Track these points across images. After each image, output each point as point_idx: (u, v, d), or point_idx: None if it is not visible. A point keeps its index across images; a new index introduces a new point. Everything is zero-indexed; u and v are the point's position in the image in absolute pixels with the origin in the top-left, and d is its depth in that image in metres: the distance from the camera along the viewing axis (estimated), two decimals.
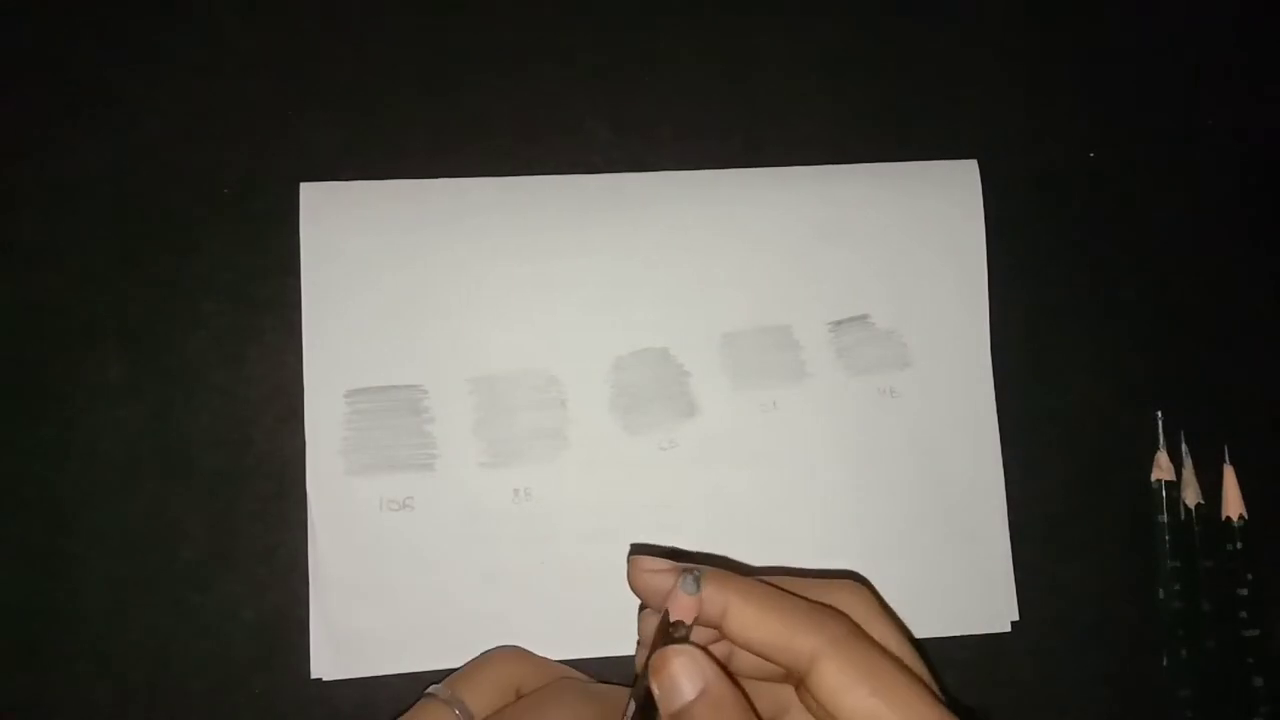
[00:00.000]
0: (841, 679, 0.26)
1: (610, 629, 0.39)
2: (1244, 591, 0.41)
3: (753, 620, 0.27)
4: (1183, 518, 0.42)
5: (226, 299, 0.41)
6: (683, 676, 0.26)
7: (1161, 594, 0.41)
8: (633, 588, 0.29)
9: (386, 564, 0.39)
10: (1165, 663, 0.41)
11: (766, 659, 0.27)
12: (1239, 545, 0.41)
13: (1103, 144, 0.44)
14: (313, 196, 0.41)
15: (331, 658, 0.39)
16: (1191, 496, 0.42)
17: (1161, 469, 0.42)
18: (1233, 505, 0.42)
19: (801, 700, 0.28)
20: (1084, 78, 0.45)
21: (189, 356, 0.40)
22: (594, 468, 0.40)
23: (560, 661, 0.37)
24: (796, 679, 0.27)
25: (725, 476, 0.41)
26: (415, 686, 0.37)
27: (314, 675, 0.39)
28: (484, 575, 0.40)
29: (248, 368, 0.40)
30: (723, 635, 0.28)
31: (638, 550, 0.33)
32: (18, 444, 0.39)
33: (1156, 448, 0.42)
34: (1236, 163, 0.45)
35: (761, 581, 0.28)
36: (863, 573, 0.40)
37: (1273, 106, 0.45)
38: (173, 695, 0.38)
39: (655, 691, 0.26)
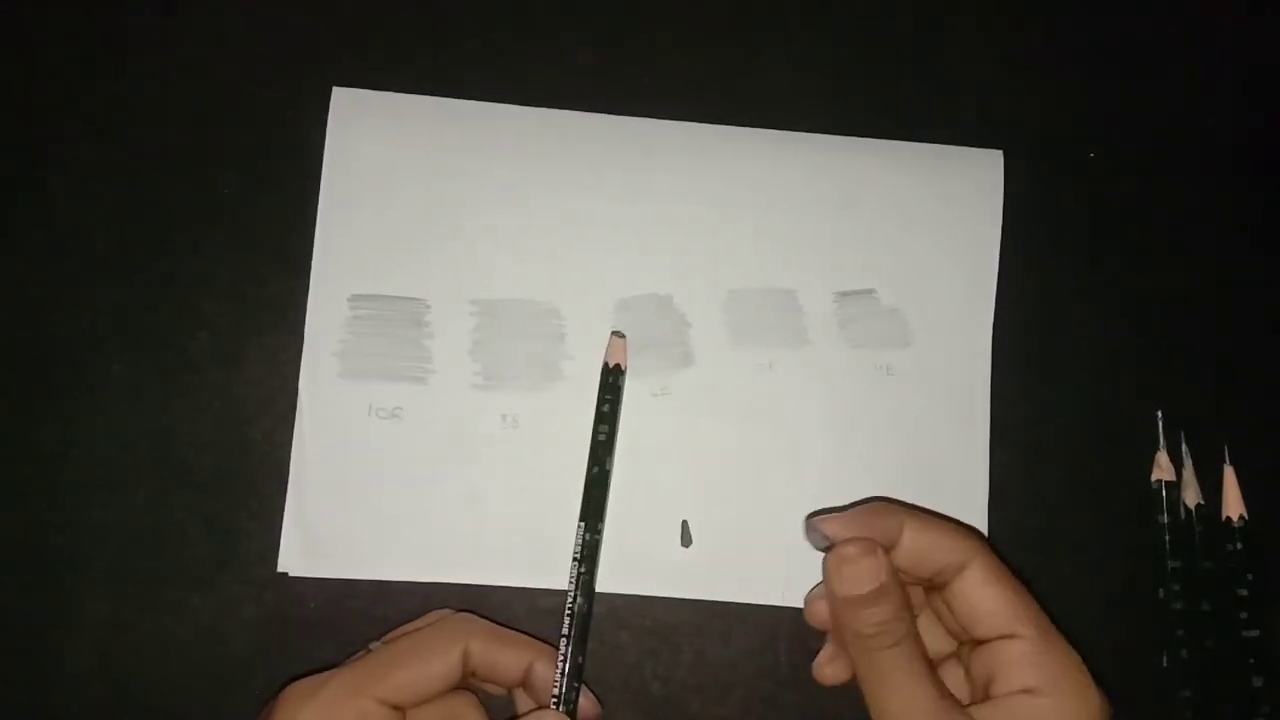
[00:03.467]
0: (989, 574, 0.33)
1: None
2: (1244, 592, 0.41)
3: (924, 528, 0.33)
4: (1183, 518, 0.42)
5: (226, 299, 0.41)
6: (866, 570, 0.32)
7: (1161, 594, 0.41)
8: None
9: (367, 470, 0.40)
10: (1165, 663, 0.41)
11: (928, 561, 0.33)
12: (1239, 545, 0.41)
13: (1104, 144, 0.44)
14: (343, 101, 0.42)
15: (300, 554, 0.39)
16: (1192, 497, 0.42)
17: (1161, 469, 0.42)
18: (1233, 505, 0.41)
19: (930, 603, 0.35)
20: (1088, 77, 0.45)
21: (189, 356, 0.40)
22: (584, 403, 0.40)
23: (526, 590, 0.38)
24: (941, 581, 0.33)
25: (712, 430, 0.41)
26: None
27: (280, 569, 0.39)
28: (462, 494, 0.40)
29: (248, 368, 0.40)
30: (892, 548, 0.33)
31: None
32: (18, 444, 0.39)
33: (1156, 448, 0.42)
34: (1237, 163, 0.45)
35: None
36: None
37: (1273, 107, 0.45)
38: (173, 695, 0.38)
39: (831, 578, 0.33)
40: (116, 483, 0.39)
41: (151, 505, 0.39)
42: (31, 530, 0.39)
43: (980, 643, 0.33)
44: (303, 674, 0.34)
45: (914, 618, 0.33)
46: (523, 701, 0.36)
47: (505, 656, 0.34)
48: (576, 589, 0.36)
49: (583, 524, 0.37)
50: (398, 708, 0.32)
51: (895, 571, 0.33)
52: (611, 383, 0.38)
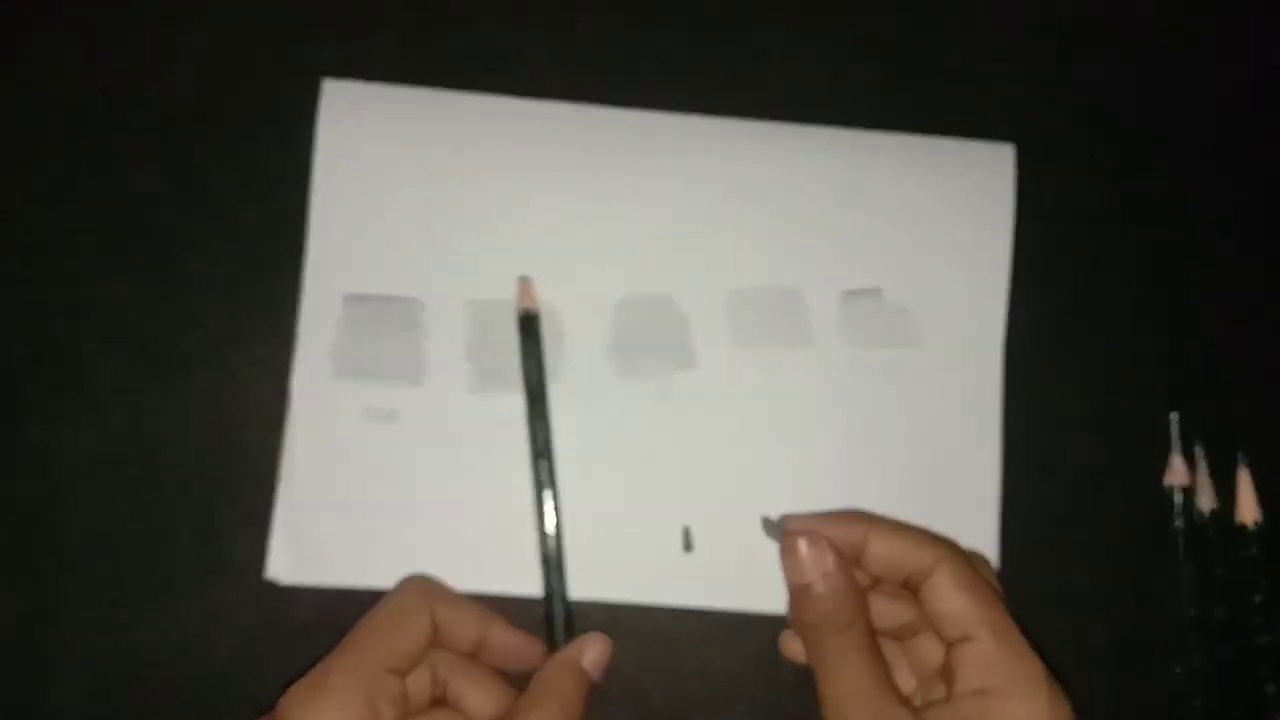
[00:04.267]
0: (955, 579, 0.33)
1: (578, 566, 0.39)
2: (1259, 598, 0.40)
3: (891, 535, 0.34)
4: (1197, 523, 0.41)
5: (219, 298, 0.40)
6: (809, 560, 0.33)
7: (1175, 600, 0.41)
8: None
9: (361, 473, 0.39)
10: (1179, 670, 0.41)
11: (897, 567, 0.34)
12: (1254, 551, 0.41)
13: (1119, 139, 0.44)
14: (335, 94, 0.41)
15: (290, 561, 0.38)
16: (1206, 501, 0.41)
17: (1176, 473, 0.41)
18: (1248, 511, 0.41)
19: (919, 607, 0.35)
20: (1101, 72, 0.44)
21: (184, 357, 0.40)
22: (582, 406, 0.40)
23: (525, 598, 0.38)
24: (912, 585, 0.34)
25: (715, 433, 0.40)
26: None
27: (269, 576, 0.38)
28: (458, 498, 0.39)
29: (240, 369, 0.40)
30: (860, 560, 0.35)
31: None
32: (5, 446, 0.39)
33: (1171, 451, 0.42)
34: (1254, 164, 0.44)
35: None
36: None
37: None
38: (161, 702, 0.38)
39: (783, 567, 0.34)
40: (106, 485, 0.39)
41: (141, 509, 0.39)
42: (19, 534, 0.38)
43: (950, 645, 0.34)
44: (292, 683, 0.33)
45: (865, 611, 0.34)
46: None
47: (464, 617, 0.35)
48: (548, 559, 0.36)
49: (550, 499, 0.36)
50: (397, 672, 0.33)
51: (845, 566, 0.34)
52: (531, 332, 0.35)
